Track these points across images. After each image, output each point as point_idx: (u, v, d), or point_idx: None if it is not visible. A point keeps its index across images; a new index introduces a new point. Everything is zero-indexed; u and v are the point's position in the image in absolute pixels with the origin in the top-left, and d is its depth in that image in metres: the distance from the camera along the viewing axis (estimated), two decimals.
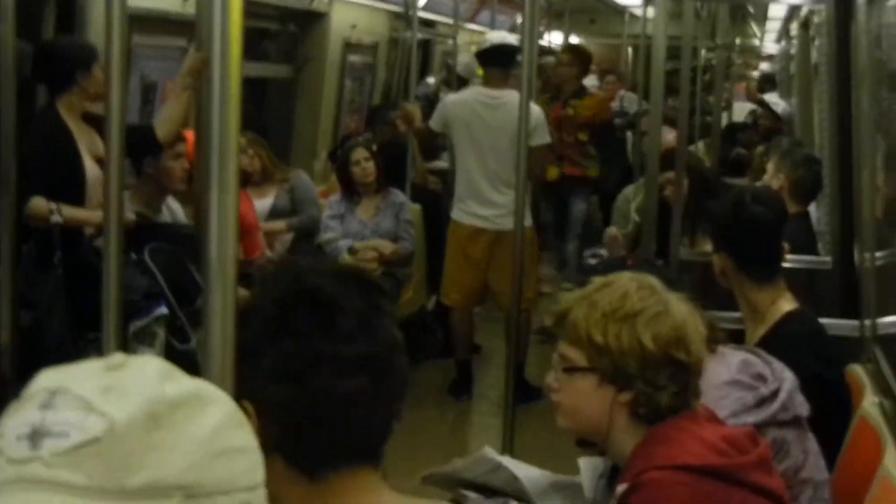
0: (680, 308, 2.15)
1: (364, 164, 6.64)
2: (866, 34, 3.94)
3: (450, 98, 7.09)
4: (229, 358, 1.40)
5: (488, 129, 6.45)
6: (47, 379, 0.98)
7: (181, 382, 0.99)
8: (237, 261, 1.44)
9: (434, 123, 6.82)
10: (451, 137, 6.81)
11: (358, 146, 6.78)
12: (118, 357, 0.99)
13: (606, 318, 2.12)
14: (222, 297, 1.41)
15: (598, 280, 2.23)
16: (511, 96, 6.10)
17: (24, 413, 0.95)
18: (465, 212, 6.65)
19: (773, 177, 5.32)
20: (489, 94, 6.58)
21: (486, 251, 6.56)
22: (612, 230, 6.10)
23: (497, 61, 6.59)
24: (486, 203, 6.51)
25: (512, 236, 5.43)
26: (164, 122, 4.82)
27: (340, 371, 1.51)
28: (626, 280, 2.20)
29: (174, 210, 5.36)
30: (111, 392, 0.95)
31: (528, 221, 6.44)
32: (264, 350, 1.51)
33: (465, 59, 9.99)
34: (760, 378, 2.64)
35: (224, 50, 1.42)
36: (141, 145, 4.80)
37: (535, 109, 6.55)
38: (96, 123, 4.46)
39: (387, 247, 6.57)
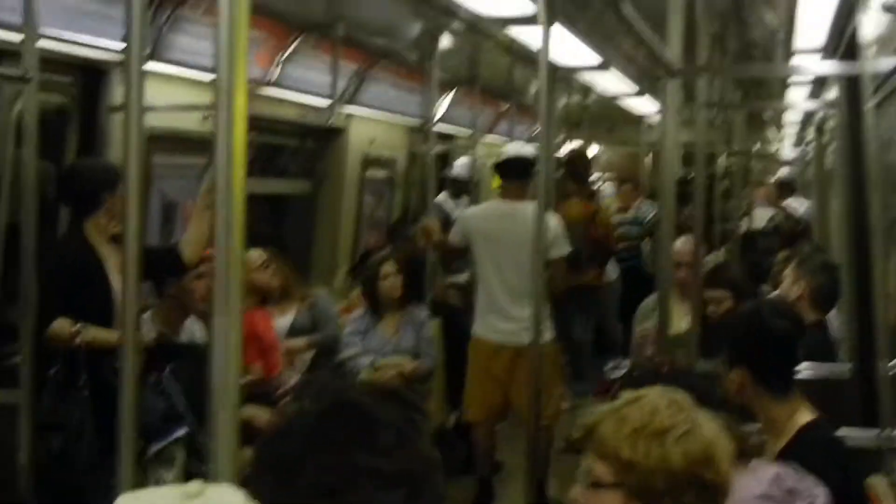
0: (709, 426, 2.14)
1: (393, 278, 6.64)
2: (876, 139, 3.98)
3: (469, 211, 7.17)
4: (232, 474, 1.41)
5: (507, 241, 6.45)
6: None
7: None
8: (239, 383, 1.46)
9: (454, 237, 6.84)
10: (471, 251, 6.82)
11: (387, 260, 6.78)
12: (195, 485, 1.01)
13: (636, 433, 2.11)
14: (227, 419, 1.43)
15: (627, 394, 2.23)
16: (529, 208, 6.13)
17: None
18: (485, 327, 6.62)
19: (792, 284, 5.32)
20: (507, 206, 6.62)
21: (507, 367, 6.50)
22: (643, 329, 6.07)
23: (514, 173, 6.66)
24: (507, 317, 6.47)
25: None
26: (188, 242, 4.84)
27: (379, 485, 1.50)
28: (656, 395, 2.19)
29: (193, 331, 5.40)
30: None
31: (549, 336, 6.49)
32: (304, 463, 1.51)
33: (461, 161, 10.07)
34: (792, 493, 2.63)
35: (228, 174, 1.46)
36: (166, 267, 4.86)
37: (553, 221, 6.60)
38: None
39: (407, 364, 6.53)
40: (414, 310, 6.75)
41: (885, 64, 3.34)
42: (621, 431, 2.12)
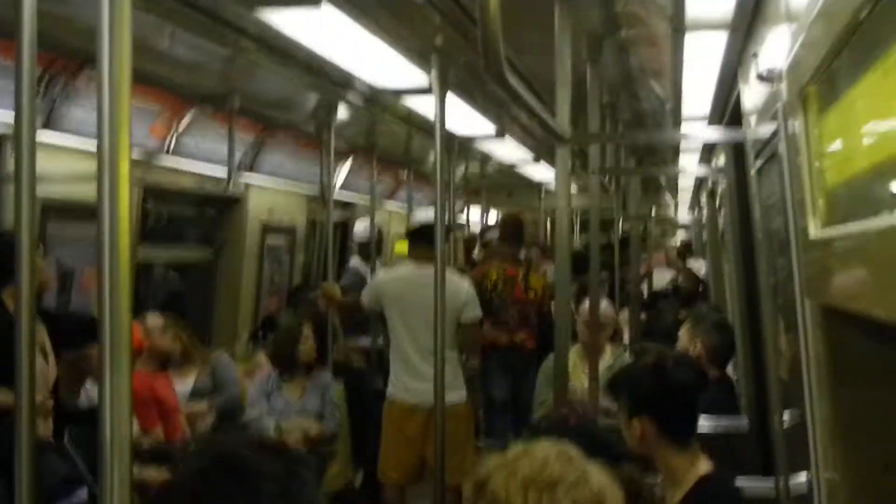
0: (598, 477, 2.17)
1: (311, 342, 6.68)
2: (760, 204, 4.10)
3: (380, 276, 7.21)
4: None
5: (420, 304, 6.42)
6: None
7: None
8: (131, 442, 1.47)
9: (366, 300, 6.89)
10: (384, 314, 6.86)
11: (305, 322, 6.79)
12: None
13: (526, 485, 2.13)
14: (120, 479, 1.43)
15: (517, 447, 2.26)
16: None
17: None
18: (399, 388, 6.67)
19: (689, 343, 5.45)
20: (418, 269, 6.67)
21: (422, 427, 6.54)
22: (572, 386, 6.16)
23: (426, 238, 6.72)
24: (420, 377, 6.51)
25: (451, 411, 5.47)
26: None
27: None
28: (545, 448, 2.22)
29: (93, 395, 5.35)
30: None
31: (460, 396, 6.61)
32: None
33: (359, 226, 10.14)
34: None
35: (113, 240, 1.48)
36: (78, 334, 4.84)
37: (465, 284, 6.80)
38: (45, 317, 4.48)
39: (312, 428, 6.53)
40: (319, 374, 6.77)
41: (764, 130, 3.45)
42: (511, 484, 2.13)
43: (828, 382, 2.56)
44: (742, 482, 3.67)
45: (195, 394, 6.59)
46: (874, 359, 2.36)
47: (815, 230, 2.41)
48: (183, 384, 6.52)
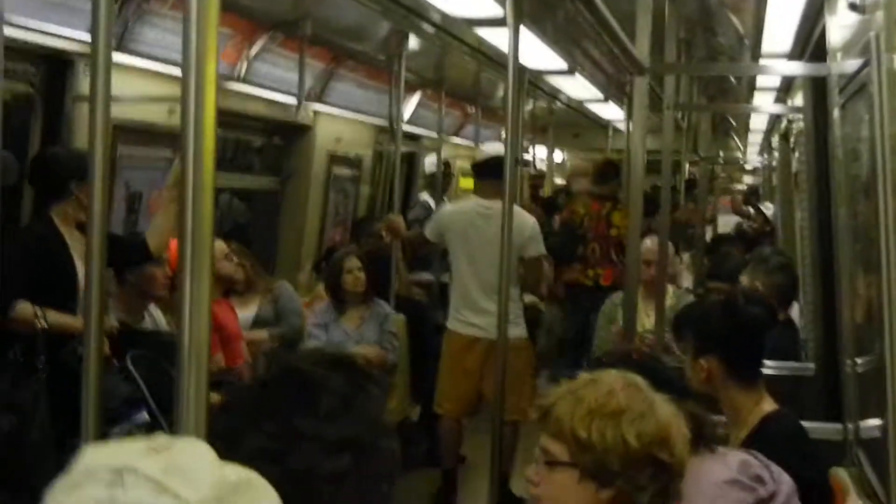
0: (665, 409, 2.15)
1: (357, 273, 6.64)
2: (842, 146, 3.99)
3: (446, 208, 7.19)
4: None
5: (483, 239, 6.47)
6: (101, 456, 0.98)
7: (235, 468, 1.01)
8: (209, 351, 1.45)
9: (429, 232, 6.88)
10: (447, 247, 6.83)
11: (351, 255, 6.78)
12: (162, 439, 1.00)
13: (592, 414, 2.12)
14: (195, 398, 1.42)
15: (584, 376, 2.23)
16: None
17: (88, 490, 0.95)
18: (459, 321, 6.67)
19: (750, 285, 5.38)
20: (484, 204, 6.61)
21: (480, 360, 6.53)
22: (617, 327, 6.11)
23: (492, 173, 6.64)
24: (481, 312, 6.51)
25: (510, 346, 5.44)
26: (154, 234, 4.86)
27: (323, 451, 1.50)
28: (612, 377, 2.20)
29: (156, 318, 5.38)
30: (176, 474, 0.96)
31: (521, 331, 6.56)
32: (246, 431, 1.51)
33: (428, 159, 10.11)
34: (759, 480, 2.63)
35: (198, 169, 1.46)
36: (130, 255, 4.85)
37: (530, 220, 6.72)
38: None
39: (372, 352, 6.54)
40: (377, 304, 6.77)
41: (851, 65, 3.35)
42: (577, 411, 2.13)
43: None
44: (808, 425, 3.60)
45: (257, 322, 6.60)
46: None
47: None
48: (245, 312, 6.53)
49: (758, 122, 11.70)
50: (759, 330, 3.48)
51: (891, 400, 2.73)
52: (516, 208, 6.69)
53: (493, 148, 7.00)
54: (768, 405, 3.36)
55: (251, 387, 1.58)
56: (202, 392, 1.44)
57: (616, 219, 8.33)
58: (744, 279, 5.56)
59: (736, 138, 15.04)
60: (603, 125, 13.65)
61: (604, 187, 8.51)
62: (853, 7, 3.03)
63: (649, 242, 6.12)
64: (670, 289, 6.39)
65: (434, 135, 9.82)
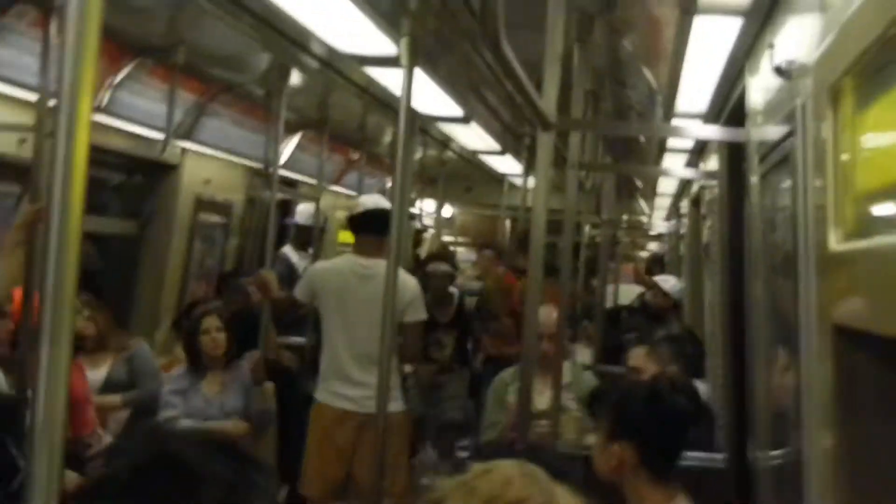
0: (569, 499, 2.14)
1: (215, 334, 6.57)
2: (760, 216, 4.07)
3: (319, 265, 7.09)
4: None
5: (359, 301, 6.43)
6: None
7: None
8: (66, 431, 1.42)
9: (300, 292, 6.77)
10: (319, 309, 6.76)
11: (209, 314, 6.71)
12: None
13: None
14: (48, 467, 1.38)
15: (477, 466, 2.21)
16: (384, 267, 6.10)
17: None
18: (329, 392, 6.57)
19: (643, 365, 5.39)
20: (362, 263, 6.59)
21: (352, 437, 6.47)
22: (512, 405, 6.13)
23: (371, 227, 6.63)
24: (354, 384, 6.45)
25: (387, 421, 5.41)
26: None
27: None
28: (508, 467, 2.18)
29: None
30: None
31: (399, 405, 6.53)
32: None
33: (304, 208, 10.07)
34: None
35: (66, 199, 1.43)
36: None
37: (411, 281, 6.70)
38: None
39: (238, 428, 6.46)
40: (238, 367, 6.70)
41: (773, 132, 3.42)
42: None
43: (833, 413, 2.53)
44: None
45: (108, 385, 6.51)
46: (891, 387, 2.33)
47: (836, 242, 2.38)
48: (95, 373, 6.43)
49: (666, 185, 11.90)
50: (683, 423, 3.52)
51: (808, 496, 2.77)
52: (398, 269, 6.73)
53: (373, 199, 7.00)
54: (682, 503, 3.39)
55: (120, 471, 1.53)
56: (55, 470, 1.41)
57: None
58: (637, 357, 5.62)
59: (642, 201, 15.30)
60: (498, 179, 13.76)
61: (524, 259, 8.65)
62: (778, 71, 3.11)
63: (544, 313, 6.15)
64: (566, 365, 6.41)
65: (312, 181, 9.81)
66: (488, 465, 2.18)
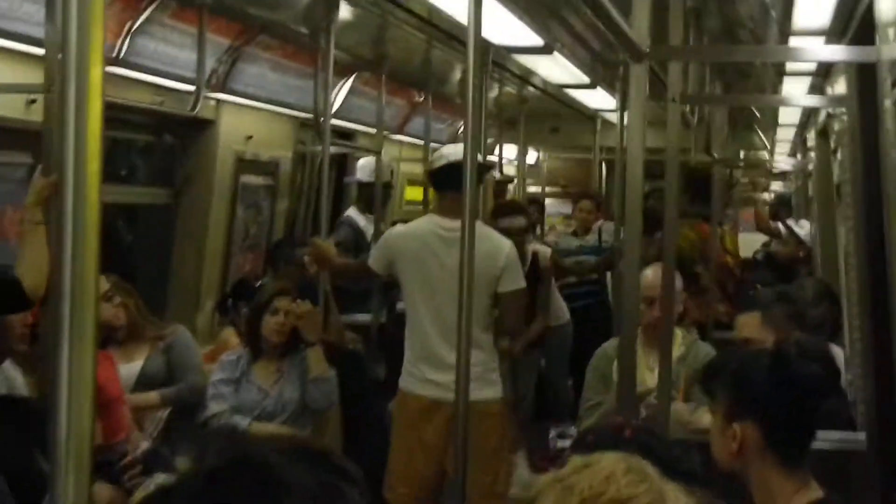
0: (681, 499, 2.14)
1: (284, 318, 6.63)
2: None
3: (395, 230, 7.06)
4: None
5: (446, 270, 6.35)
6: None
7: None
8: (93, 440, 1.45)
9: (374, 262, 6.79)
10: (399, 280, 6.76)
11: (285, 293, 6.74)
12: None
13: None
14: (75, 483, 1.42)
15: (575, 459, 2.22)
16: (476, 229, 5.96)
17: None
18: (416, 378, 6.58)
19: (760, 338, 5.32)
20: (447, 225, 6.52)
21: (444, 430, 6.42)
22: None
23: (455, 183, 6.57)
24: (445, 367, 6.28)
25: (481, 410, 5.40)
26: (26, 269, 4.81)
27: None
28: (611, 461, 2.18)
29: (12, 378, 5.33)
30: None
31: (494, 392, 6.55)
32: None
33: (363, 164, 10.05)
34: None
35: (79, 170, 1.45)
36: (8, 303, 4.83)
37: (505, 244, 6.65)
38: None
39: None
40: (299, 353, 6.74)
41: None
42: (566, 503, 2.12)
43: None
44: None
45: (144, 381, 6.58)
46: None
47: None
48: (128, 368, 6.51)
49: (789, 115, 11.78)
50: (813, 395, 3.48)
51: None
52: (486, 228, 6.69)
53: (457, 149, 6.96)
54: (814, 492, 3.37)
55: (191, 478, 1.55)
56: (83, 485, 1.44)
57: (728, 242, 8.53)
58: (747, 325, 5.58)
59: (761, 134, 15.15)
60: (589, 116, 13.71)
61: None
62: None
63: (650, 274, 6.12)
64: (678, 334, 6.35)
65: (371, 130, 9.81)
66: (588, 459, 2.19)
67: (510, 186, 14.08)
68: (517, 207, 9.42)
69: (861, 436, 5.20)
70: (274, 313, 6.64)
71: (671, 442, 3.42)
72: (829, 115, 8.00)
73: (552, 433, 9.66)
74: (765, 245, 13.05)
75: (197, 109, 7.24)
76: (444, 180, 6.71)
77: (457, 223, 6.28)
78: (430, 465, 6.58)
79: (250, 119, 8.44)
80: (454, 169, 6.41)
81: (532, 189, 16.63)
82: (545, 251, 9.56)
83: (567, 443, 9.32)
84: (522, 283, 6.74)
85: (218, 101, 7.89)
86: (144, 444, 6.07)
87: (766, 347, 3.70)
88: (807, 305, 5.74)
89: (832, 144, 7.89)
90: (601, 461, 2.17)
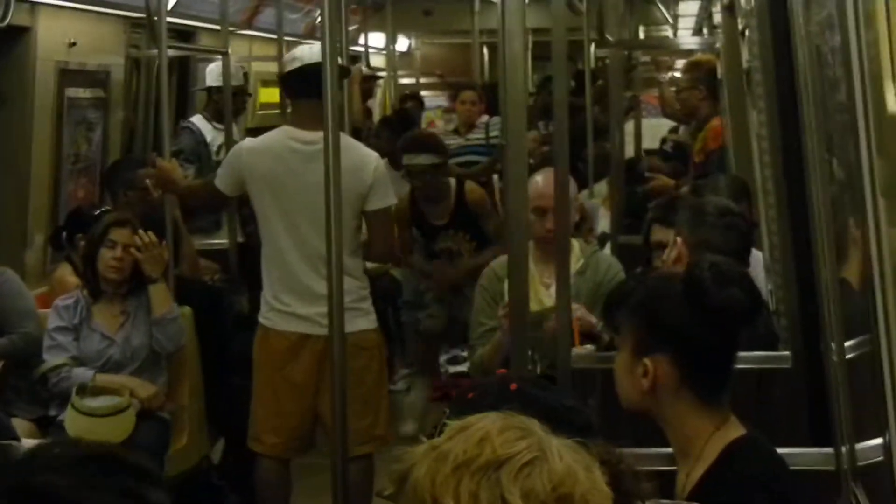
0: (565, 456, 2.14)
1: (122, 252, 6.67)
2: (807, 40, 4.07)
3: (245, 145, 6.93)
4: None
5: (306, 187, 6.37)
6: None
7: None
8: None
9: (222, 182, 6.76)
10: (252, 202, 6.76)
11: (122, 224, 6.72)
12: None
13: (459, 470, 2.11)
14: None
15: (453, 424, 2.24)
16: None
17: None
18: (278, 312, 6.61)
19: (672, 248, 5.37)
20: (303, 137, 6.54)
21: (314, 368, 6.50)
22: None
23: (311, 89, 6.49)
24: (311, 298, 6.43)
25: (355, 343, 5.38)
26: None
27: None
28: (488, 421, 2.20)
29: None
30: None
31: (367, 322, 6.63)
32: None
33: (214, 67, 9.91)
34: None
35: None
36: None
37: (371, 156, 6.68)
38: None
39: (144, 389, 6.55)
40: (144, 292, 6.77)
41: None
42: (441, 472, 2.12)
43: None
44: (788, 451, 3.70)
45: None
46: None
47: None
48: None
49: None
50: (732, 323, 3.49)
51: (893, 409, 2.84)
52: (350, 139, 6.68)
53: (313, 50, 6.89)
54: (734, 430, 3.41)
55: None
56: None
57: None
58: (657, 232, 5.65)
59: (662, 8, 15.19)
60: None
61: None
62: None
63: (540, 180, 6.10)
64: (576, 245, 6.33)
65: (215, 27, 9.70)
66: (464, 422, 2.21)
67: (380, 82, 14.06)
68: (429, 143, 9.39)
69: (785, 354, 5.25)
70: (111, 247, 6.66)
71: (562, 393, 3.44)
72: None
73: (442, 358, 9.77)
74: (672, 131, 13.09)
75: (7, 19, 7.13)
76: (299, 86, 6.69)
77: (316, 135, 6.27)
78: (300, 408, 6.64)
79: (72, 22, 8.35)
80: (309, 73, 6.36)
81: (405, 81, 16.61)
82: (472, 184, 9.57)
83: (459, 368, 9.47)
84: (392, 201, 6.79)
85: (32, 3, 7.77)
86: None
87: (676, 273, 3.69)
88: (726, 207, 5.78)
89: (739, 24, 7.93)
90: (477, 423, 2.18)
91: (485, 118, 11.79)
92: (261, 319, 6.71)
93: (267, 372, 6.69)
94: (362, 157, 6.50)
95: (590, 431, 2.65)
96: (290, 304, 6.58)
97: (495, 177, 11.02)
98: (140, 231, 6.71)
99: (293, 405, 6.65)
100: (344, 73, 7.33)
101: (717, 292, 3.44)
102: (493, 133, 11.30)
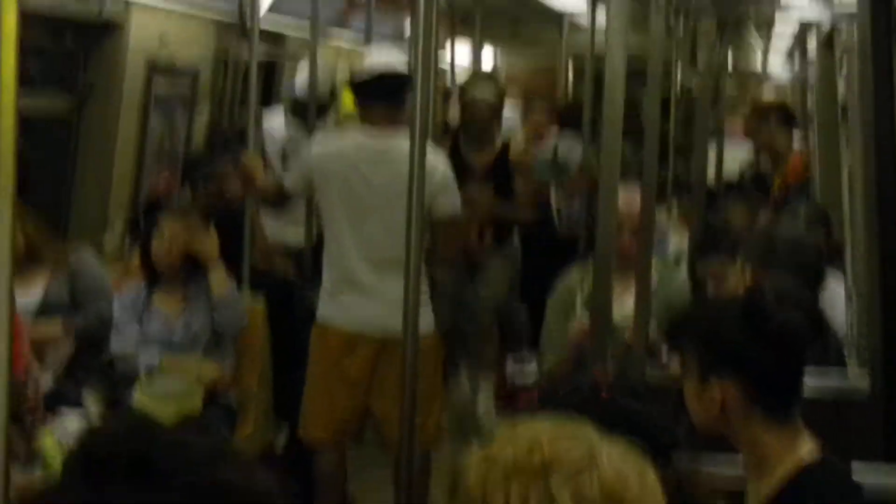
0: (616, 462, 2.14)
1: (170, 237, 6.78)
2: None
3: (317, 148, 7.04)
4: None
5: (372, 189, 6.48)
6: None
7: None
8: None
9: (293, 182, 6.87)
10: (319, 202, 6.84)
11: (171, 213, 6.81)
12: None
13: (509, 475, 2.12)
14: None
15: (503, 429, 2.23)
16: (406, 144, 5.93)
17: None
18: (337, 309, 6.68)
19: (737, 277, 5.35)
20: (374, 140, 6.62)
21: (367, 365, 6.59)
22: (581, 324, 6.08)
23: (382, 94, 6.60)
24: (369, 297, 6.52)
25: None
26: None
27: None
28: (538, 427, 2.19)
29: None
30: None
31: (428, 324, 6.47)
32: None
33: (301, 72, 9.90)
34: None
35: None
36: None
37: (438, 161, 6.66)
38: None
39: (209, 371, 6.60)
40: (201, 277, 6.88)
41: None
42: (490, 477, 2.13)
43: None
44: (862, 471, 3.70)
45: (44, 310, 6.63)
46: None
47: None
48: (27, 295, 6.53)
49: (785, 25, 11.76)
50: (795, 343, 3.52)
51: None
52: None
53: (382, 54, 6.92)
54: (807, 449, 3.44)
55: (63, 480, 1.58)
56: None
57: None
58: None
59: (755, 35, 15.09)
60: (554, 16, 13.67)
61: None
62: None
63: (622, 194, 6.11)
64: (654, 261, 6.33)
65: (304, 34, 9.71)
66: (516, 429, 2.22)
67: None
68: (491, 79, 9.39)
69: (863, 379, 5.24)
70: (160, 236, 6.75)
71: (654, 408, 3.44)
72: (833, 26, 8.01)
73: (510, 368, 9.69)
74: (753, 159, 12.93)
75: (103, 11, 7.20)
76: (370, 92, 6.76)
77: (386, 139, 6.36)
78: (351, 405, 6.72)
79: (164, 20, 8.44)
80: (381, 78, 6.45)
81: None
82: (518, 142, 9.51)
83: (525, 372, 9.40)
84: (457, 208, 6.78)
85: (127, 1, 7.84)
86: (47, 380, 6.09)
87: (737, 297, 3.70)
88: (797, 238, 5.77)
89: (838, 56, 7.89)
90: (529, 429, 2.19)
91: (555, 135, 11.64)
92: (318, 315, 6.79)
93: (322, 366, 6.76)
94: (430, 161, 6.51)
95: (674, 449, 2.65)
96: (348, 302, 6.64)
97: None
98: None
99: (345, 401, 6.72)
100: (429, 76, 7.34)
101: (775, 314, 3.50)
102: (561, 156, 11.15)
